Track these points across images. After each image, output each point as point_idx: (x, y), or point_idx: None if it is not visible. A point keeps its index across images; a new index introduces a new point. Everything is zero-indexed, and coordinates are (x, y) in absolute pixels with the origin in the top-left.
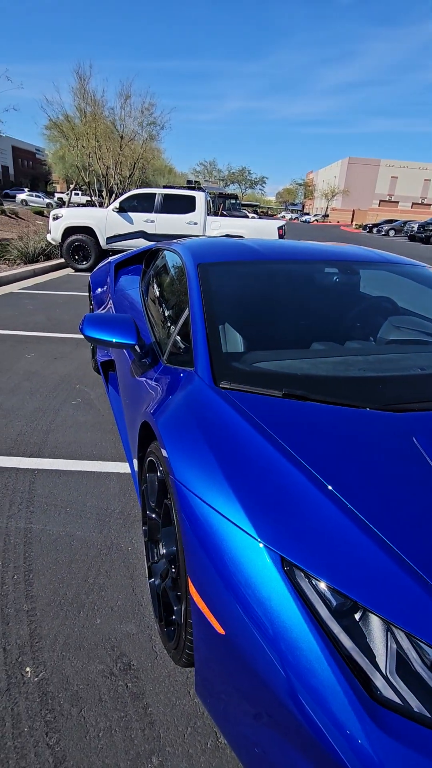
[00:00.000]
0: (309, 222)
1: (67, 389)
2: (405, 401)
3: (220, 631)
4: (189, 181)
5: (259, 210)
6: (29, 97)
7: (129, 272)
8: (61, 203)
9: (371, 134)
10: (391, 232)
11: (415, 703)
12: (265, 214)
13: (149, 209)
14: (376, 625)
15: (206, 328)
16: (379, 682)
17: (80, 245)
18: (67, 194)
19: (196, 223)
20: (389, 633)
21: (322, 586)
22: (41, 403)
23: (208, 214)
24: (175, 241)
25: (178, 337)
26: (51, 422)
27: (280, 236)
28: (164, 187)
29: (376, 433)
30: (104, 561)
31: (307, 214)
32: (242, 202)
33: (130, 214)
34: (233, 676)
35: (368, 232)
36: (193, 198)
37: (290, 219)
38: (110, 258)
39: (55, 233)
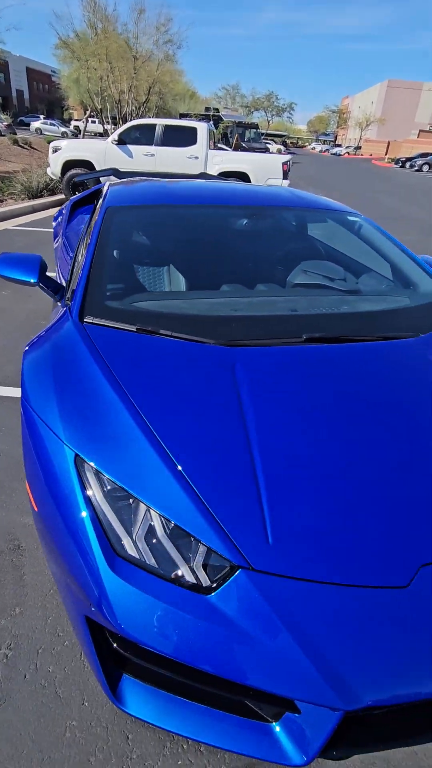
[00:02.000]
0: (339, 155)
1: (31, 326)
2: (253, 338)
3: (35, 508)
4: (207, 108)
5: (288, 141)
6: (40, 10)
7: (83, 211)
8: (77, 132)
9: (419, 51)
10: (425, 167)
11: (149, 559)
12: (294, 145)
13: (150, 142)
14: (140, 507)
15: (91, 267)
16: (127, 542)
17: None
18: (83, 122)
19: (197, 158)
20: (148, 513)
21: (102, 476)
22: (3, 338)
23: (211, 148)
24: (116, 181)
25: (75, 277)
26: (10, 355)
27: (285, 172)
28: (181, 116)
29: (202, 364)
30: (21, 470)
31: (339, 145)
32: (268, 132)
33: (129, 147)
34: (46, 536)
35: (400, 166)
36: (194, 130)
37: (320, 152)
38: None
39: (54, 167)
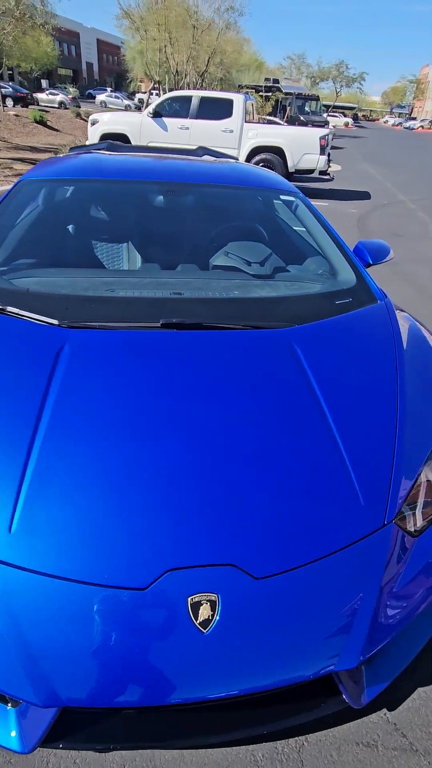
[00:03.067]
0: (412, 129)
1: None
2: (99, 320)
3: None
4: (267, 79)
5: (359, 113)
6: None
7: None
8: (140, 105)
9: None
10: None
11: None
12: (366, 118)
13: (185, 114)
14: None
15: None
16: None
17: None
18: (147, 95)
19: (231, 131)
20: None
21: None
22: None
23: (247, 120)
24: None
25: None
26: None
27: (322, 147)
28: (239, 87)
29: (29, 344)
30: None
31: (413, 118)
32: (336, 104)
33: (164, 119)
34: None
35: None
36: (230, 102)
37: (392, 125)
38: None
39: (92, 140)
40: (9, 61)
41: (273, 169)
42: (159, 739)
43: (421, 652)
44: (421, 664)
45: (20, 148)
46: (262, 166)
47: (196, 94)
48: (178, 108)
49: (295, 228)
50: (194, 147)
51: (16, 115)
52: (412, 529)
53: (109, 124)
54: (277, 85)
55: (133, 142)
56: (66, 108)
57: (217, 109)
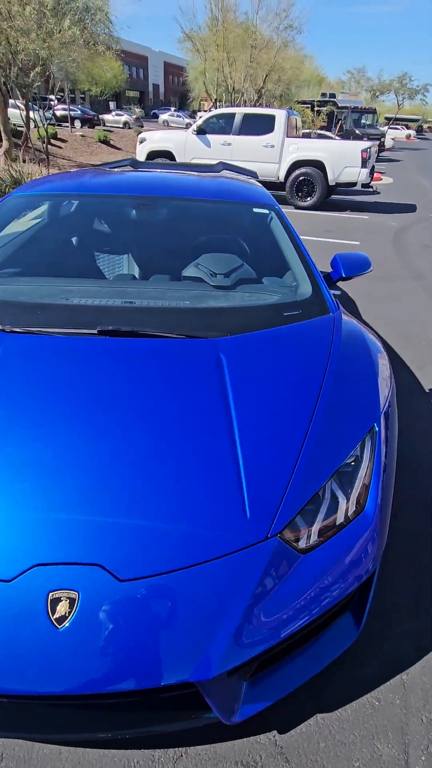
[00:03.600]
0: None
1: None
2: (37, 326)
3: None
4: (323, 94)
5: (424, 125)
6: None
7: None
8: None
9: None
10: None
11: None
12: None
13: (228, 131)
14: None
15: None
16: None
17: None
18: (209, 112)
19: (272, 146)
20: None
21: None
22: None
23: (289, 135)
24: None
25: None
26: None
27: (364, 160)
28: (298, 103)
29: None
30: None
31: None
32: (397, 116)
33: (208, 136)
34: None
35: None
36: (272, 117)
37: None
38: None
39: (140, 157)
40: (81, 85)
41: (313, 183)
42: (26, 730)
43: (326, 678)
44: (327, 691)
45: (82, 166)
46: (302, 179)
47: (239, 111)
48: (223, 125)
49: (269, 241)
50: (215, 162)
51: (83, 136)
52: (303, 546)
53: (156, 142)
54: (332, 99)
55: (178, 159)
56: (130, 128)
57: (259, 125)
